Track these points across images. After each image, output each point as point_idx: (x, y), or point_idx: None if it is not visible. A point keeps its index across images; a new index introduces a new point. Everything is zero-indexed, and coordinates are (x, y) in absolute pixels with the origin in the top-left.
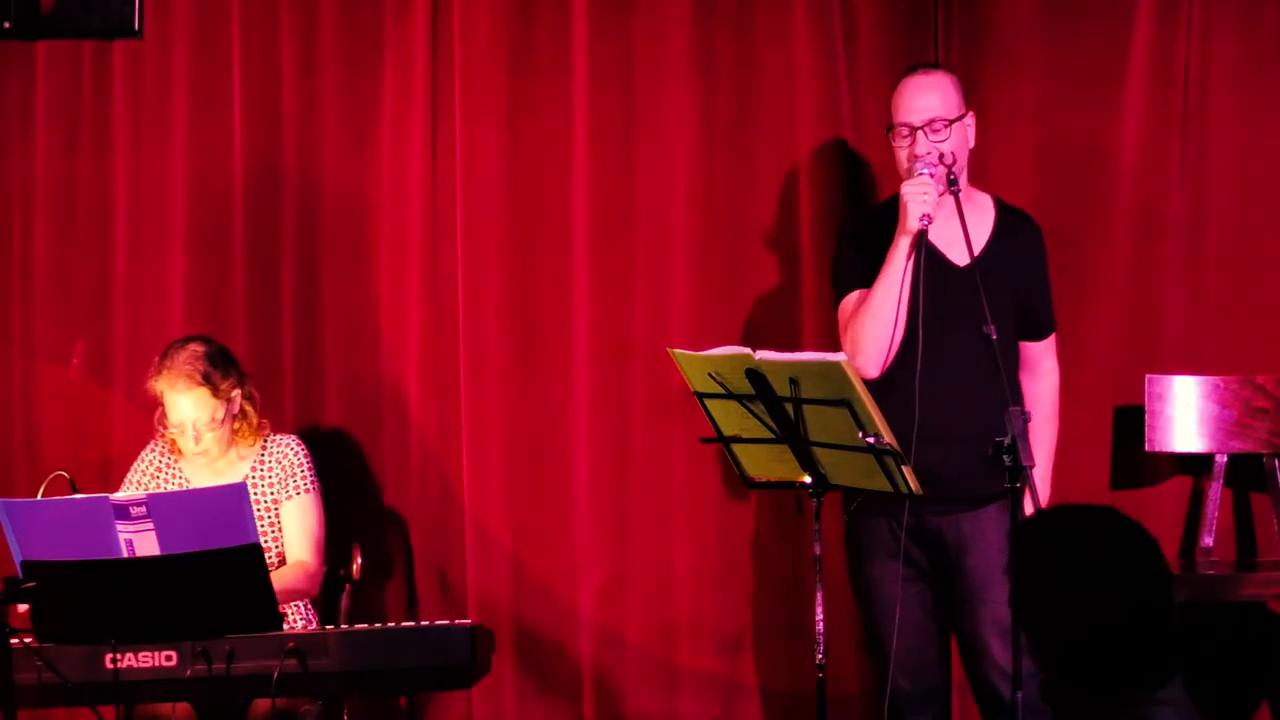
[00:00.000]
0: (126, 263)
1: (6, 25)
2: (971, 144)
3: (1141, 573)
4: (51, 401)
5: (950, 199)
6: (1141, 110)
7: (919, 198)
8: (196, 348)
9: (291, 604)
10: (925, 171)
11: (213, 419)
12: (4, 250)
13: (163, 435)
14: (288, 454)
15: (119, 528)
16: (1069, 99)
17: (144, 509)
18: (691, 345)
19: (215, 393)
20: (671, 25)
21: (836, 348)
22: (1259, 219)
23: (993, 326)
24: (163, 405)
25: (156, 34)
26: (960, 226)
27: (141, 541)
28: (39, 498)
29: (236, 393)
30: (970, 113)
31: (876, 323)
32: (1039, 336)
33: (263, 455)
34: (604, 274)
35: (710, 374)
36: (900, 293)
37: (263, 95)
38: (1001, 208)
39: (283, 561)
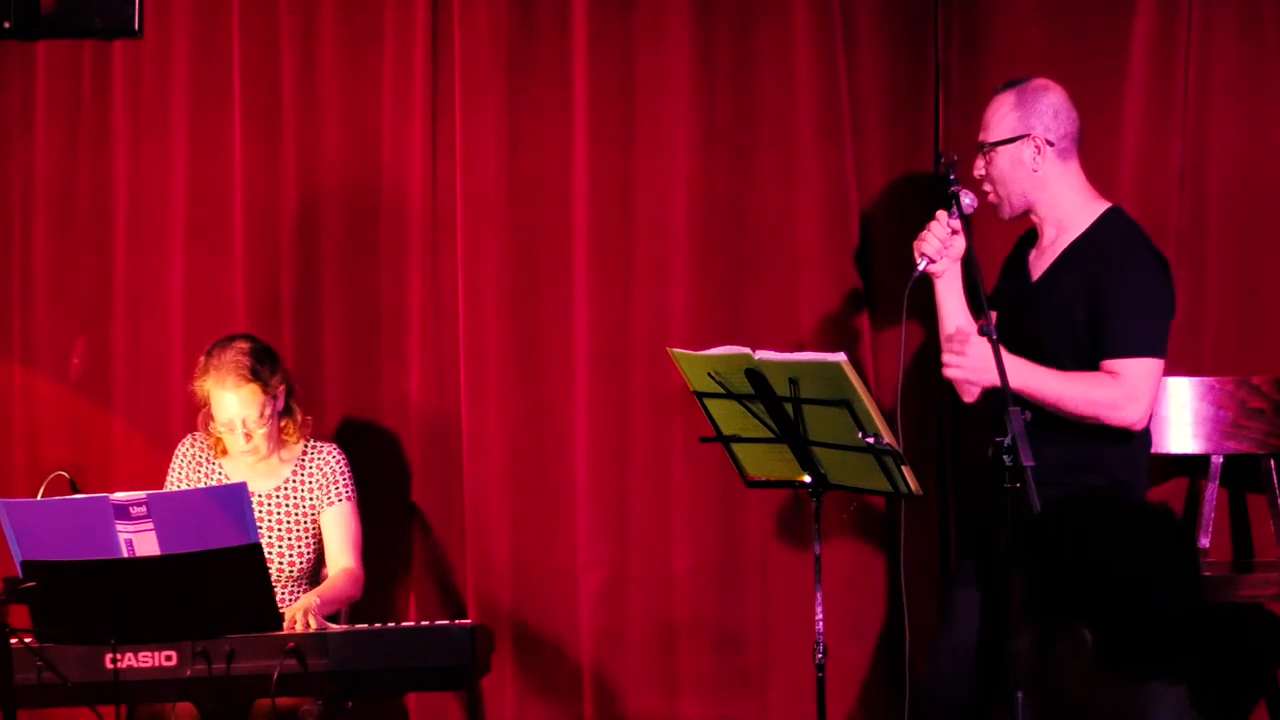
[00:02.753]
0: (126, 263)
1: (6, 25)
2: (1034, 167)
3: (1184, 566)
4: (51, 402)
5: (974, 215)
6: (1141, 110)
7: (920, 242)
8: (243, 344)
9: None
10: (953, 210)
11: (261, 415)
12: (4, 250)
13: (207, 434)
14: (329, 461)
15: (119, 528)
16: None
17: (144, 509)
18: (691, 345)
19: (265, 388)
20: (671, 25)
21: (835, 347)
22: (1259, 219)
23: (993, 315)
24: (208, 405)
25: (156, 34)
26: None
27: (141, 541)
28: (39, 498)
29: (283, 388)
30: (1028, 136)
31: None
32: (1102, 358)
33: (303, 461)
34: (604, 274)
35: (710, 374)
36: (941, 329)
37: (263, 95)
38: (1093, 230)
39: (309, 566)
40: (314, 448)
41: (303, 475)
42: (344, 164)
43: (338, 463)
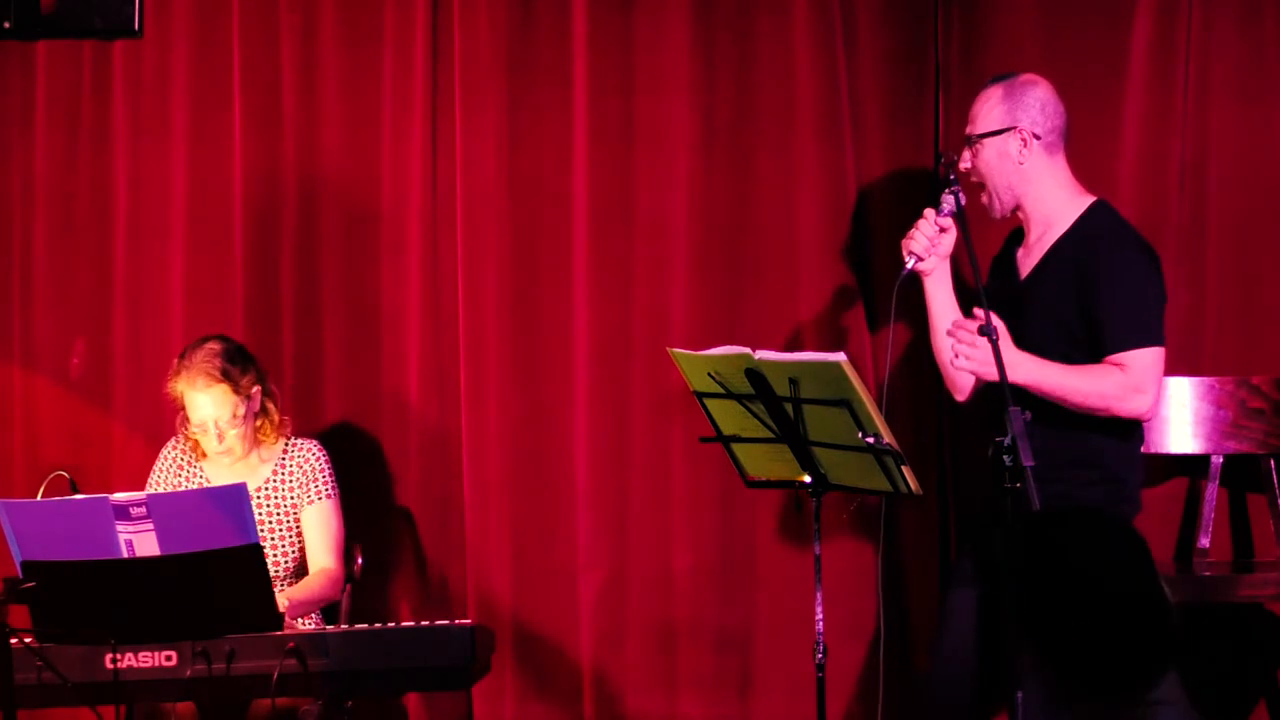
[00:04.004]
0: (126, 263)
1: (6, 25)
2: (1020, 160)
3: (1135, 576)
4: (51, 402)
5: (988, 210)
6: (1141, 110)
7: (908, 240)
8: (214, 346)
9: None
10: (941, 209)
11: (234, 416)
12: (4, 250)
13: (185, 437)
14: (309, 459)
15: (119, 528)
16: (1069, 99)
17: (144, 509)
18: (691, 345)
19: (235, 389)
20: (671, 25)
21: (835, 347)
22: (1259, 219)
23: (984, 313)
24: (184, 407)
25: (156, 34)
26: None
27: (141, 541)
28: (39, 498)
29: (256, 389)
30: (1015, 129)
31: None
32: (1100, 354)
33: (284, 459)
34: (604, 274)
35: (710, 374)
36: (931, 328)
37: (263, 95)
38: (1080, 224)
39: (300, 565)
40: (294, 445)
41: (284, 474)
42: (344, 164)
43: (318, 459)
